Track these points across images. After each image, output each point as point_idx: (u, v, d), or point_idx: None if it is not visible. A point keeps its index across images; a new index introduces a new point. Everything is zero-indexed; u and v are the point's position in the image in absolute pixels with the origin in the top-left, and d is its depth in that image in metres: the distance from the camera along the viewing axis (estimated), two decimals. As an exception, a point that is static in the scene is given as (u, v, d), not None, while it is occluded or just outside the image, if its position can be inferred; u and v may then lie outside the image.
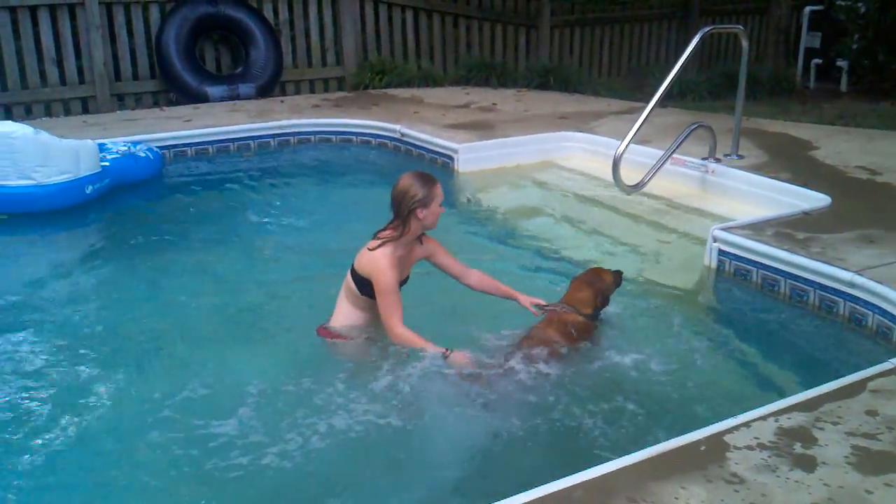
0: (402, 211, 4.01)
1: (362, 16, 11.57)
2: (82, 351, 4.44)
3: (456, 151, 7.49)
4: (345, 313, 4.24)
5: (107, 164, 6.87)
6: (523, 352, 4.03)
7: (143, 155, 7.28)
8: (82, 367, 4.25)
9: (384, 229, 4.10)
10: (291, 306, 5.00)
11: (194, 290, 5.24)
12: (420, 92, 10.59)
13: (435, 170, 7.52)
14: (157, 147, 7.62)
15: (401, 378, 3.85)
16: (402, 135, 8.19)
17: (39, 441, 3.59)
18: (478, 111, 9.36)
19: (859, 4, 10.85)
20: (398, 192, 4.04)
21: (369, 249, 4.04)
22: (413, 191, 4.00)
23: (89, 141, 6.88)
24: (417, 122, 8.56)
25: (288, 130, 8.60)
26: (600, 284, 4.41)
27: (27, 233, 6.29)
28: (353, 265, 4.13)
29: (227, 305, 5.03)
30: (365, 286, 4.07)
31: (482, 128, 8.35)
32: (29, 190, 6.34)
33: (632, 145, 6.15)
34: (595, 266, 4.70)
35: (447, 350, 3.95)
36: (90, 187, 6.65)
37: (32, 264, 5.89)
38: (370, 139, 8.56)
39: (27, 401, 3.93)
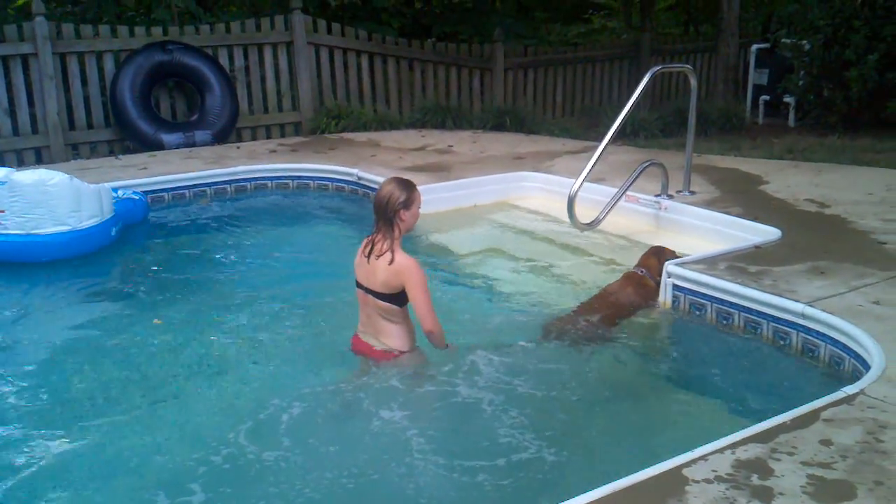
0: (389, 214, 4.23)
1: (317, 61, 11.64)
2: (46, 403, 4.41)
3: (412, 194, 7.51)
4: (394, 330, 4.39)
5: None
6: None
7: (136, 198, 7.36)
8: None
9: (374, 239, 4.28)
10: (249, 350, 5.01)
11: (146, 337, 5.22)
12: (377, 135, 10.66)
13: (392, 212, 7.57)
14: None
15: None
16: (360, 178, 8.22)
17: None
18: (434, 153, 9.43)
19: (804, 42, 11.11)
20: (382, 197, 4.26)
21: (388, 264, 4.20)
22: (396, 194, 4.24)
23: (105, 184, 6.96)
24: (375, 165, 8.60)
25: (244, 176, 8.59)
26: (664, 256, 5.45)
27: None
28: (371, 289, 4.29)
29: (179, 349, 5.03)
30: (401, 297, 4.27)
31: (439, 170, 8.41)
32: (65, 236, 6.37)
33: (586, 184, 6.26)
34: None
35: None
36: (113, 229, 6.75)
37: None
38: (327, 183, 8.58)
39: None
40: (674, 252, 5.61)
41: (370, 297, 4.32)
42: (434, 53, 12.62)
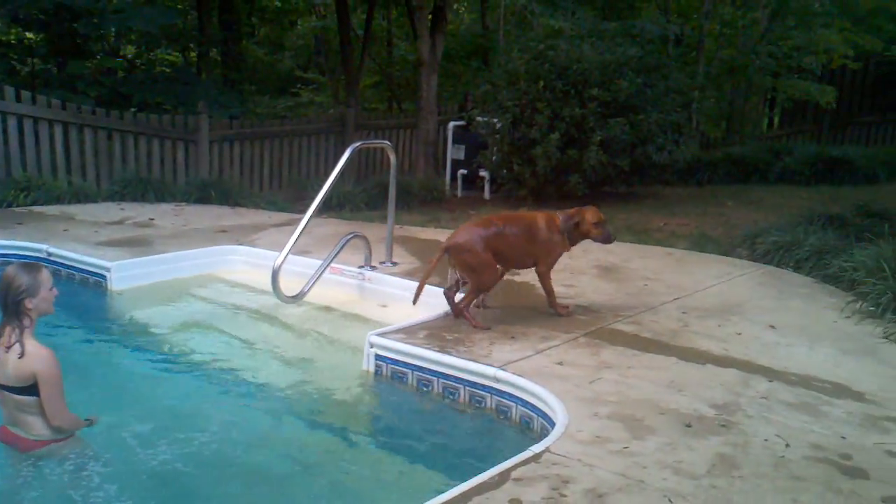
0: (11, 304, 3.96)
1: (4, 130, 10.86)
2: None
3: (108, 270, 7.16)
4: (36, 422, 4.05)
5: None
6: None
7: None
8: None
9: (2, 331, 3.99)
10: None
11: None
12: (71, 208, 10.07)
13: (88, 290, 7.17)
14: None
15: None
16: (50, 254, 7.69)
17: None
18: (134, 227, 9.05)
19: (495, 121, 11.87)
20: (2, 287, 3.98)
21: (19, 357, 3.91)
22: (18, 282, 3.97)
23: None
24: (67, 240, 8.10)
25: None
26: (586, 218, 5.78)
27: None
28: (4, 384, 3.97)
29: None
30: (31, 389, 3.95)
31: (139, 244, 8.07)
32: None
33: (291, 256, 6.28)
34: None
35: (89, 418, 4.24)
36: None
37: None
38: (13, 261, 7.93)
39: None
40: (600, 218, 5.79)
41: (4, 392, 4.02)
42: (134, 124, 12.20)
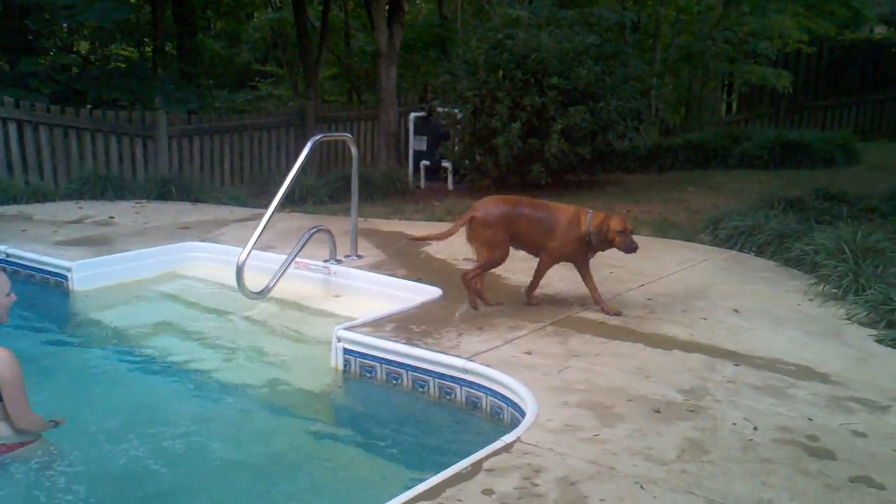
0: None
1: (-44, 130, 10.69)
2: None
3: (69, 270, 7.06)
4: (4, 427, 3.99)
5: None
6: None
7: None
8: None
9: None
10: None
11: None
12: (28, 208, 9.92)
13: (49, 291, 7.06)
14: None
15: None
16: (8, 255, 7.57)
17: None
18: (94, 225, 8.93)
19: (455, 111, 11.85)
20: None
21: None
22: None
23: None
24: (25, 240, 7.97)
25: None
26: (611, 226, 5.66)
27: None
28: None
29: None
30: None
31: (99, 243, 7.96)
32: None
33: (255, 251, 6.22)
34: None
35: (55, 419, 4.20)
36: None
37: None
38: (-31, 263, 7.82)
39: None
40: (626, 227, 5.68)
41: None
42: (91, 121, 12.02)
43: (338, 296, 6.75)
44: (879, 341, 5.32)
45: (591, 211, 5.74)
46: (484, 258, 5.73)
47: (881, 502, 3.35)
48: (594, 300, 5.84)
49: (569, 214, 5.72)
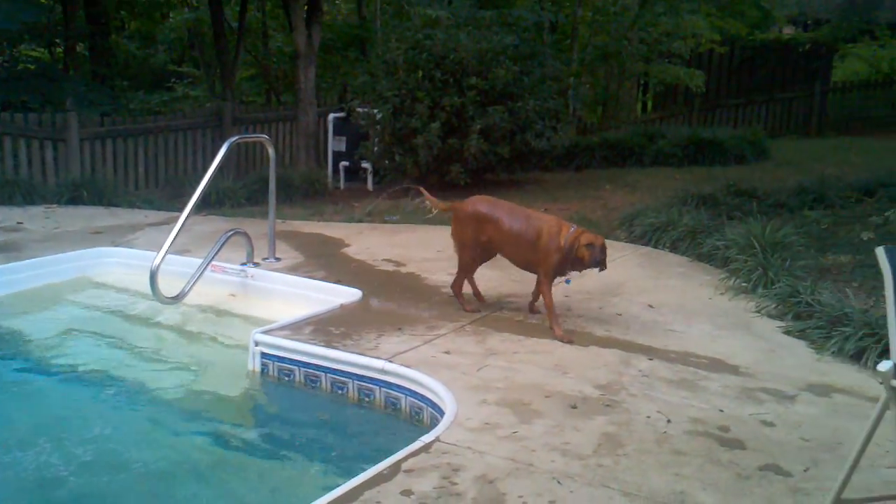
0: None
1: None
2: None
3: (-25, 278, 6.84)
4: None
5: None
6: None
7: None
8: None
9: None
10: None
11: None
12: (-69, 214, 9.57)
13: (-48, 300, 6.84)
14: None
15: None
16: None
17: None
18: (1, 232, 8.64)
19: (375, 111, 11.81)
20: None
21: None
22: None
23: None
24: (-72, 248, 7.70)
25: None
26: (582, 243, 5.41)
27: None
28: None
29: None
30: None
31: (7, 249, 7.72)
32: None
33: (170, 256, 6.11)
34: None
35: None
36: None
37: None
38: None
39: None
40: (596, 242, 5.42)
41: None
42: (-3, 124, 11.65)
43: (255, 299, 6.67)
44: (787, 333, 5.49)
45: (574, 226, 5.49)
46: (458, 258, 5.79)
47: (789, 489, 3.45)
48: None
49: (551, 223, 5.49)
